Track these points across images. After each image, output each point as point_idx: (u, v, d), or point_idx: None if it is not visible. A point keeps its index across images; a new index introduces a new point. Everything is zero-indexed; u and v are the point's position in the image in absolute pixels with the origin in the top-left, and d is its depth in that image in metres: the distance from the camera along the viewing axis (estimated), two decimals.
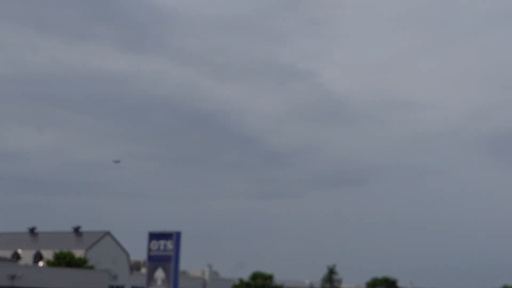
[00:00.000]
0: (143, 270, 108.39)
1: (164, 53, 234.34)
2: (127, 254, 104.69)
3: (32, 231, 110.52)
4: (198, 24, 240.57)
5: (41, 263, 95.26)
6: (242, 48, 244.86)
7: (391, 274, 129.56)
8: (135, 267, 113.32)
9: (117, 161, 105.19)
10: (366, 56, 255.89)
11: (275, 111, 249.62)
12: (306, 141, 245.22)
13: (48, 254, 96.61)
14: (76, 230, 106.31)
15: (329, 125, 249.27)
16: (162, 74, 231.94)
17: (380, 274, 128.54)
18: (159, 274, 35.80)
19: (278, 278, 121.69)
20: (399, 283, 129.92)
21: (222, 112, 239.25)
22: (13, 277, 68.44)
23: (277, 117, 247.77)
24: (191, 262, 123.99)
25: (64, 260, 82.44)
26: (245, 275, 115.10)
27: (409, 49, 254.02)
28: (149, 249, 36.15)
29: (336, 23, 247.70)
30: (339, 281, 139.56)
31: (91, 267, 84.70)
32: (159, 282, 35.65)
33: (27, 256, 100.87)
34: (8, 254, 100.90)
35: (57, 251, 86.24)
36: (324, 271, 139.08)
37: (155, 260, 35.95)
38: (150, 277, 35.95)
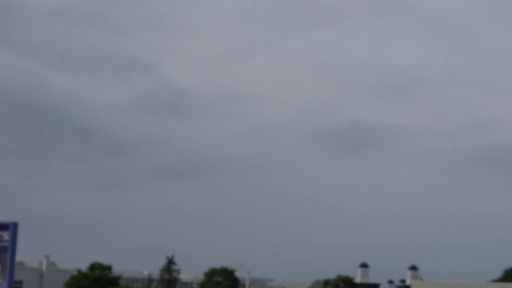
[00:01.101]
0: None
1: (4, 43, 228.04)
2: None
3: None
4: (39, 15, 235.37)
5: None
6: (84, 39, 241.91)
7: (228, 264, 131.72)
8: None
9: None
10: (208, 49, 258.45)
11: (117, 102, 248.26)
12: (148, 133, 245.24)
13: None
14: None
15: (171, 117, 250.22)
16: (1, 65, 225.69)
17: (218, 264, 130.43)
18: None
19: (116, 269, 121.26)
20: (237, 273, 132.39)
21: (62, 103, 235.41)
22: None
23: (119, 109, 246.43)
24: (28, 253, 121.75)
25: None
26: (83, 266, 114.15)
27: (250, 43, 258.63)
28: None
29: (179, 16, 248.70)
30: (178, 271, 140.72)
31: None
32: None
33: None
34: None
35: None
36: (163, 262, 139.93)
37: None
38: None
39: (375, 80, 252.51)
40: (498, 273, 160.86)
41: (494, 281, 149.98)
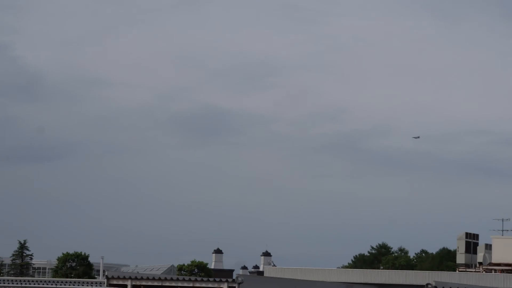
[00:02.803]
0: None
1: None
2: None
3: None
4: None
5: None
6: None
7: (82, 249, 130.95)
8: None
9: None
10: (63, 31, 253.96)
11: None
12: None
13: None
14: None
15: (22, 99, 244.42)
16: None
17: (71, 250, 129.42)
18: None
19: None
20: (90, 259, 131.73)
21: None
22: None
23: None
24: None
25: None
26: None
27: (105, 25, 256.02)
28: None
29: None
30: (31, 256, 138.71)
31: None
32: None
33: None
34: None
35: None
36: (15, 247, 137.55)
37: None
38: None
39: (231, 66, 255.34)
40: (348, 259, 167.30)
41: (345, 267, 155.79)
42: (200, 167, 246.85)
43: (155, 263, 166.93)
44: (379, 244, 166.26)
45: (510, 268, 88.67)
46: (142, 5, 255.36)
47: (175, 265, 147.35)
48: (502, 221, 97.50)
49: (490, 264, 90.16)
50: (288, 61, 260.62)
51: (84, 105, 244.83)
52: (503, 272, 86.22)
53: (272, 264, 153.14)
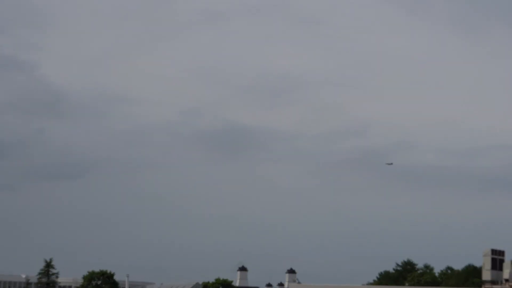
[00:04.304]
0: None
1: None
2: None
3: None
4: None
5: None
6: None
7: (108, 268, 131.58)
8: None
9: None
10: (88, 49, 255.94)
11: None
12: (24, 133, 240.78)
13: None
14: None
15: (48, 117, 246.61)
16: None
17: (97, 268, 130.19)
18: None
19: None
20: (116, 277, 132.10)
21: None
22: None
23: None
24: None
25: None
26: None
27: (130, 44, 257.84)
28: None
29: (57, 14, 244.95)
30: (56, 274, 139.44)
31: None
32: None
33: None
34: None
35: None
36: (41, 265, 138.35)
37: None
38: None
39: (254, 83, 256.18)
40: (374, 276, 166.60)
41: (370, 284, 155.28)
42: (226, 184, 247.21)
43: (180, 280, 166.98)
44: (404, 261, 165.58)
45: None
46: (167, 22, 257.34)
47: (200, 282, 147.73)
48: None
49: None
50: (311, 77, 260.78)
51: (109, 121, 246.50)
52: None
53: (297, 281, 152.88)
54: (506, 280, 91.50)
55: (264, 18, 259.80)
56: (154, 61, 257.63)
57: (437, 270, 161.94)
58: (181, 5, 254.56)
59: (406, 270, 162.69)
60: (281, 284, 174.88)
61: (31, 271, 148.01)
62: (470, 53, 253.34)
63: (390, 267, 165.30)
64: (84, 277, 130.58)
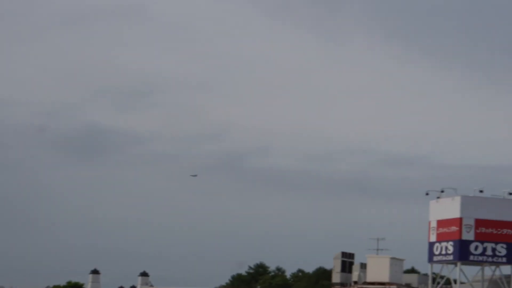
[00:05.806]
0: None
1: None
2: None
3: None
4: None
5: None
6: None
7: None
8: None
9: None
10: None
11: None
12: None
13: None
14: None
15: None
16: None
17: None
18: None
19: None
20: None
21: None
22: None
23: None
24: None
25: None
26: None
27: None
28: None
29: None
30: None
31: None
32: None
33: None
34: None
35: None
36: None
37: None
38: None
39: (112, 86, 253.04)
40: (226, 279, 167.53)
41: (222, 287, 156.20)
42: (81, 186, 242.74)
43: (30, 284, 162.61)
44: (257, 264, 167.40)
45: (383, 287, 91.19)
46: (26, 23, 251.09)
47: (51, 286, 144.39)
48: (377, 240, 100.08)
49: (365, 283, 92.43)
50: (169, 80, 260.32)
51: None
52: None
53: (150, 284, 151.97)
54: (355, 282, 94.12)
55: (123, 21, 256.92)
56: (13, 61, 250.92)
57: (288, 273, 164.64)
58: (38, 6, 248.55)
59: (259, 273, 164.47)
60: (133, 287, 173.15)
61: None
62: (330, 58, 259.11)
63: (243, 269, 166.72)
64: None
